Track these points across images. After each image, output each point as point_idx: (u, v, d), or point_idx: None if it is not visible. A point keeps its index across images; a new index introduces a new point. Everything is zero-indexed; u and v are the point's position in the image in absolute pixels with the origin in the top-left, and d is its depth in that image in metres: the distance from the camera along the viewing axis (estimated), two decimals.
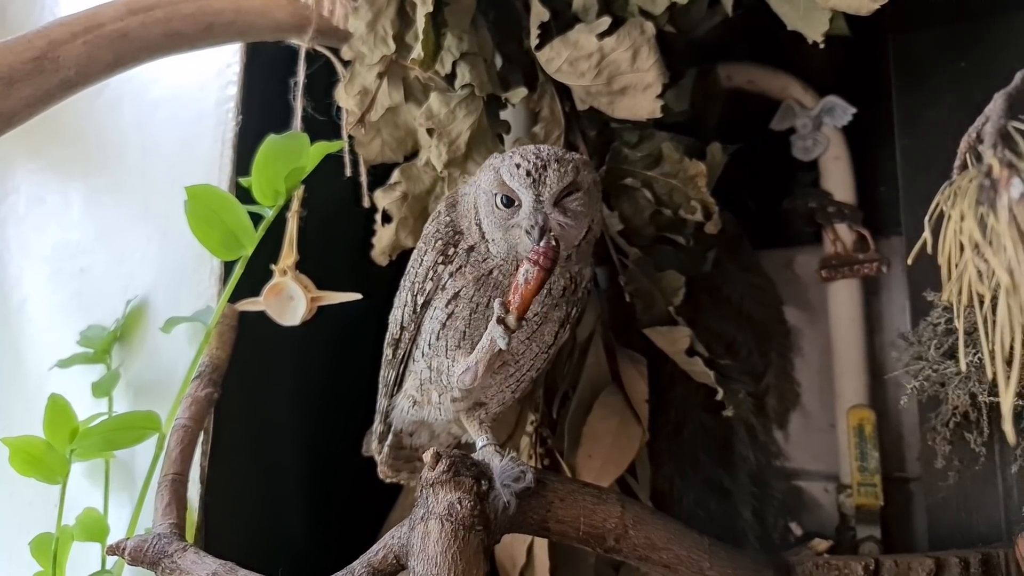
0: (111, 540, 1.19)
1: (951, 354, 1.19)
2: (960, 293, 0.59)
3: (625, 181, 1.26)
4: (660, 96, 1.15)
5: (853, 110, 1.47)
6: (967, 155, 0.65)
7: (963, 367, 0.58)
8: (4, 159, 1.51)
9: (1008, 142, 0.61)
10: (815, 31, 1.10)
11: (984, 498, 1.25)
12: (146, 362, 1.30)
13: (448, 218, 0.98)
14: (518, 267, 0.90)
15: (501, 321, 0.88)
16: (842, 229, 1.47)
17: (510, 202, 0.91)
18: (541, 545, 1.20)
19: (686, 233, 1.29)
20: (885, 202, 1.49)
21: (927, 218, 0.67)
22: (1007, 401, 0.52)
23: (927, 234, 0.65)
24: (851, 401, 1.41)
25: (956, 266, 0.60)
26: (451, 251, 0.96)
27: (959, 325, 0.61)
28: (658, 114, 1.16)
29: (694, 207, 1.23)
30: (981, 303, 0.58)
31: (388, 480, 1.20)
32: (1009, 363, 0.53)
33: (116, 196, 1.39)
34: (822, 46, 1.12)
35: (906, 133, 1.44)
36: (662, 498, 1.35)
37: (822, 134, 1.49)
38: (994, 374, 0.67)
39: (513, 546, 1.23)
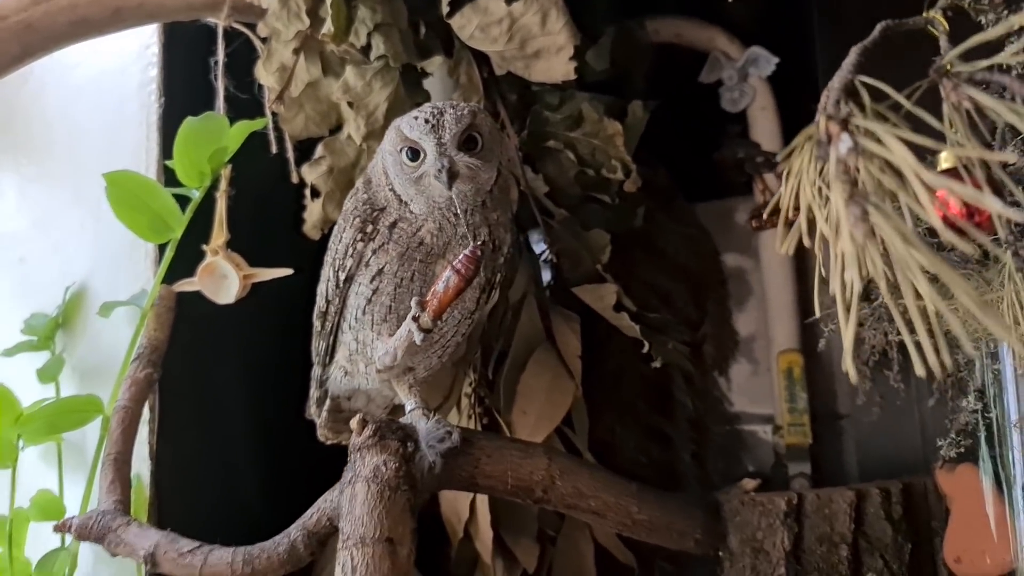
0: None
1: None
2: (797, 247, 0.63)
3: (548, 143, 1.28)
4: (574, 57, 1.17)
5: (776, 60, 1.49)
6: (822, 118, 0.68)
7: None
8: None
9: (854, 97, 0.64)
10: None
11: (906, 431, 1.32)
12: (88, 346, 1.32)
13: (365, 195, 1.00)
14: (440, 227, 0.95)
15: (416, 319, 0.91)
16: (771, 178, 1.50)
17: (415, 155, 0.94)
18: (483, 499, 1.24)
19: (611, 191, 1.32)
20: None
21: (782, 179, 0.70)
22: (848, 339, 0.56)
23: (782, 189, 0.68)
24: (783, 345, 1.46)
25: (789, 224, 0.63)
26: (369, 228, 0.98)
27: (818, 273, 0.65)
28: (572, 76, 1.17)
29: (614, 166, 1.25)
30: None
31: (329, 442, 1.24)
32: (848, 308, 0.56)
33: (48, 184, 1.40)
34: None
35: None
36: (604, 447, 1.40)
37: (748, 85, 1.52)
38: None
39: (457, 501, 1.28)
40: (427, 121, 0.92)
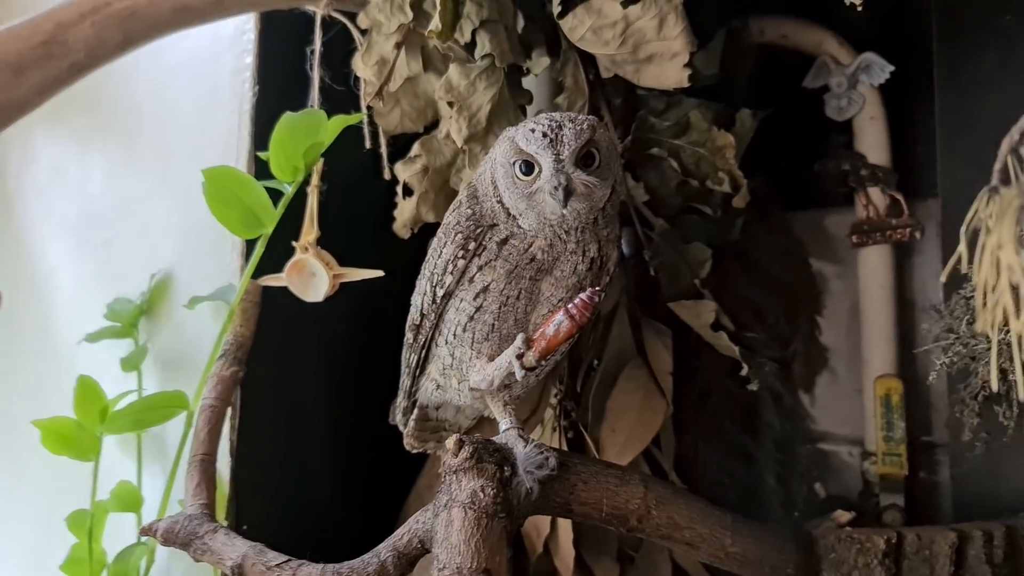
0: (144, 512, 1.25)
1: None
2: (994, 318, 0.57)
3: (651, 151, 1.23)
4: (688, 64, 1.11)
5: (891, 68, 1.40)
6: (1009, 157, 0.61)
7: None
8: (25, 128, 1.50)
9: None
10: None
11: (1011, 469, 1.24)
12: (172, 337, 1.31)
13: (470, 210, 0.96)
14: (551, 243, 0.91)
15: (520, 356, 0.88)
16: (875, 193, 1.42)
17: (530, 169, 0.90)
18: None
19: (713, 203, 1.26)
20: (921, 163, 1.44)
21: (963, 227, 0.63)
22: None
23: (963, 247, 0.62)
24: (878, 368, 1.39)
25: (992, 290, 0.57)
26: (472, 245, 0.94)
27: (994, 345, 0.59)
28: (686, 83, 1.11)
29: (721, 178, 1.19)
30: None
31: (415, 451, 1.22)
32: None
33: (135, 167, 1.39)
34: (859, 7, 1.06)
35: (946, 91, 1.38)
36: (686, 465, 1.35)
37: (857, 92, 1.43)
38: None
39: (537, 516, 1.25)
40: (545, 135, 0.88)
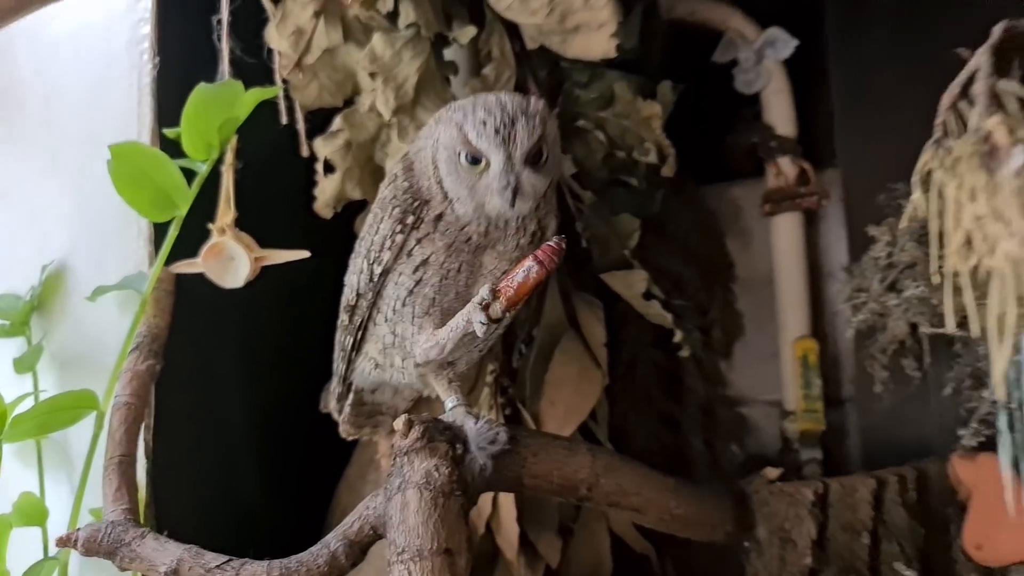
0: (51, 524, 1.14)
1: (892, 286, 1.23)
2: (960, 257, 0.59)
3: (578, 123, 1.23)
4: (614, 35, 1.11)
5: (795, 42, 1.46)
6: (948, 114, 0.65)
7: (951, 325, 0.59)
8: None
9: (998, 103, 0.61)
10: None
11: (915, 418, 1.33)
12: (70, 333, 1.20)
13: (407, 183, 0.92)
14: (487, 230, 0.88)
15: (485, 307, 0.84)
16: (784, 163, 1.48)
17: (476, 160, 0.86)
18: (508, 495, 1.20)
19: (638, 175, 1.27)
20: (821, 135, 1.51)
21: (915, 177, 0.66)
22: (999, 365, 0.53)
23: (917, 194, 0.65)
24: (794, 331, 1.46)
25: (946, 237, 0.59)
26: (411, 219, 0.90)
27: (949, 282, 0.62)
28: (613, 54, 1.12)
29: (648, 148, 1.21)
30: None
31: (351, 437, 1.17)
32: (1002, 329, 0.54)
33: (19, 148, 1.26)
34: None
35: (842, 65, 1.45)
36: (618, 435, 1.37)
37: (764, 67, 1.49)
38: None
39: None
40: (497, 131, 0.83)
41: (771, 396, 1.52)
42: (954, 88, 0.66)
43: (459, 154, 0.87)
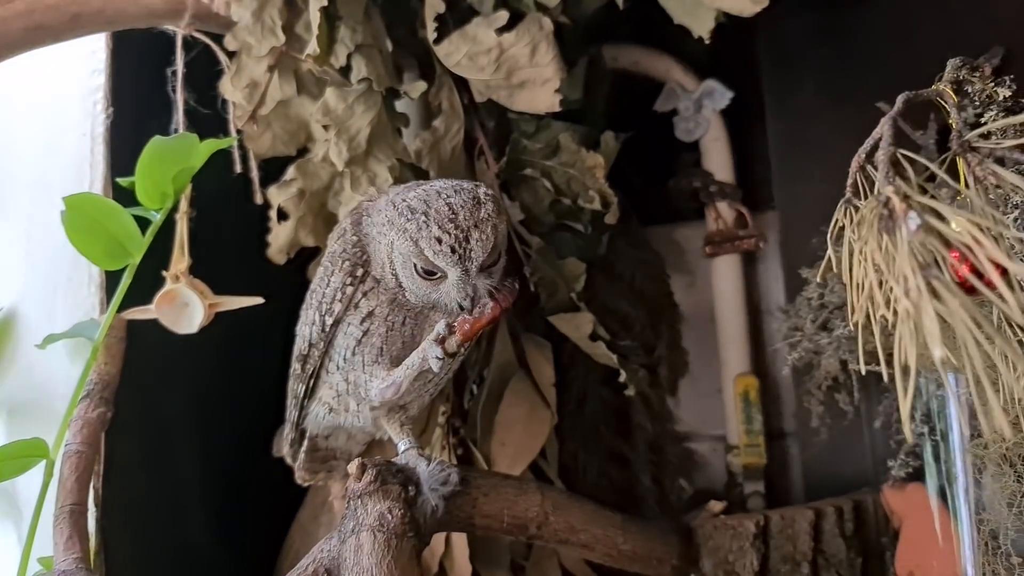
0: None
1: (824, 325, 1.30)
2: (867, 310, 0.65)
3: (525, 171, 1.27)
4: (558, 90, 1.17)
5: (731, 94, 1.54)
6: (858, 175, 0.71)
7: (861, 365, 0.64)
8: None
9: (898, 168, 0.67)
10: (702, 28, 1.15)
11: (851, 451, 1.40)
12: (19, 381, 1.19)
13: (355, 237, 0.95)
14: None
15: (441, 342, 0.88)
16: (723, 207, 1.55)
17: (431, 272, 0.89)
18: (460, 534, 1.22)
19: (584, 220, 1.32)
20: (759, 180, 1.59)
21: (829, 235, 0.72)
22: (905, 408, 0.58)
23: (831, 251, 0.70)
24: (735, 368, 1.51)
25: (860, 288, 0.65)
26: (360, 272, 0.94)
27: (860, 330, 0.67)
28: (557, 108, 1.17)
29: (592, 196, 1.26)
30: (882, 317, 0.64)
31: (306, 483, 1.19)
32: (906, 374, 0.59)
33: None
34: (708, 42, 1.17)
35: (776, 116, 1.53)
36: (568, 472, 1.40)
37: (703, 116, 1.56)
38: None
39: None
40: (453, 250, 0.85)
41: (716, 431, 1.57)
42: (861, 153, 0.72)
43: (415, 265, 0.89)
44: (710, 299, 1.60)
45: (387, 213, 0.90)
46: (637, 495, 1.51)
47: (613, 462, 1.50)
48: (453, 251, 0.85)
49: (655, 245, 1.65)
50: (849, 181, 0.71)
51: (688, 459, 1.59)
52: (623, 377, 1.24)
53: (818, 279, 0.84)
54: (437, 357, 0.89)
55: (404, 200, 0.88)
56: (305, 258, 1.26)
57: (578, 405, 1.47)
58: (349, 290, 0.94)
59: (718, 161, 1.57)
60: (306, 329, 1.01)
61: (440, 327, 0.90)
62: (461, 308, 0.89)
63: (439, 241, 0.85)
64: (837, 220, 0.70)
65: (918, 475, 1.22)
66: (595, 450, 1.47)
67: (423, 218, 0.86)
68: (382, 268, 0.93)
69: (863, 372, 0.67)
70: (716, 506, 1.28)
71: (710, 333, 1.61)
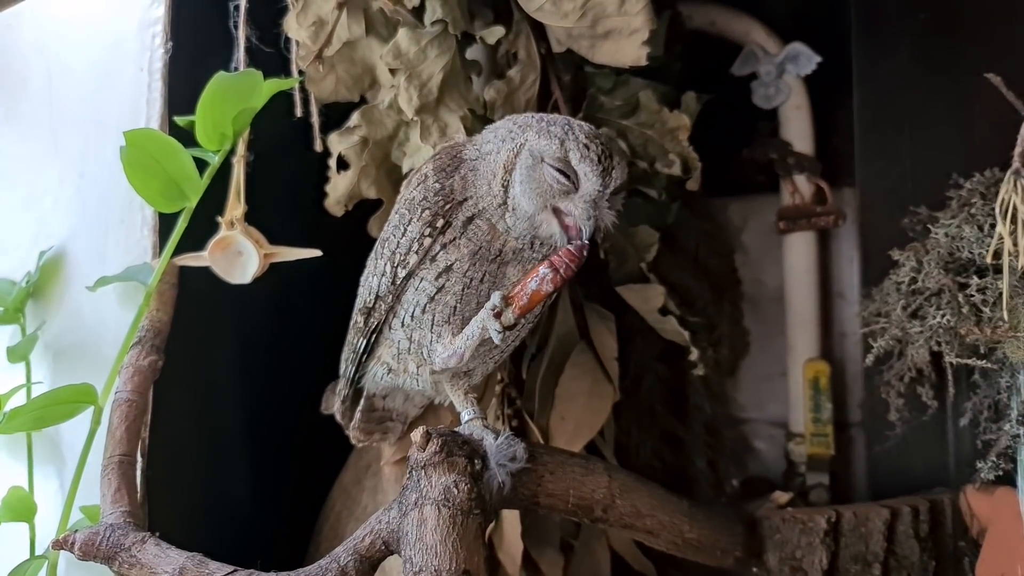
0: (39, 522, 1.09)
1: (915, 313, 1.21)
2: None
3: (600, 130, 1.19)
4: (645, 42, 1.08)
5: (818, 58, 1.44)
6: None
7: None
8: None
9: None
10: None
11: (927, 447, 1.31)
12: (67, 323, 1.15)
13: (438, 184, 0.88)
14: (524, 247, 0.86)
15: (498, 315, 0.82)
16: (800, 180, 1.46)
17: (566, 175, 0.84)
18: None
19: (658, 186, 1.25)
20: (839, 154, 1.49)
21: (997, 209, 0.64)
22: None
23: (1001, 227, 0.62)
24: (803, 352, 1.44)
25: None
26: (440, 222, 0.87)
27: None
28: (643, 61, 1.09)
29: (672, 160, 1.18)
30: None
31: (360, 444, 1.14)
32: None
33: (19, 128, 1.20)
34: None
35: (864, 84, 1.43)
36: (620, 451, 1.34)
37: (784, 82, 1.47)
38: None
39: None
40: (600, 160, 0.83)
41: (775, 417, 1.50)
42: None
43: (550, 166, 0.84)
44: (777, 277, 1.52)
45: (513, 124, 0.89)
46: (690, 477, 1.45)
47: (667, 443, 1.44)
48: (599, 160, 0.83)
49: (723, 217, 1.56)
50: (1018, 149, 0.63)
51: (744, 444, 1.53)
52: (694, 356, 1.17)
53: (988, 259, 0.75)
54: (496, 330, 0.84)
55: (532, 117, 0.88)
56: (365, 211, 1.19)
57: (635, 382, 1.41)
58: (427, 241, 0.87)
59: (798, 131, 1.47)
60: (374, 280, 0.95)
61: (495, 299, 0.85)
62: (575, 235, 0.84)
63: (587, 148, 0.83)
64: (1007, 192, 0.62)
65: (1007, 479, 1.15)
66: (649, 429, 1.40)
67: (568, 125, 0.85)
68: (488, 185, 0.87)
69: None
70: (782, 497, 1.21)
71: (773, 313, 1.54)
